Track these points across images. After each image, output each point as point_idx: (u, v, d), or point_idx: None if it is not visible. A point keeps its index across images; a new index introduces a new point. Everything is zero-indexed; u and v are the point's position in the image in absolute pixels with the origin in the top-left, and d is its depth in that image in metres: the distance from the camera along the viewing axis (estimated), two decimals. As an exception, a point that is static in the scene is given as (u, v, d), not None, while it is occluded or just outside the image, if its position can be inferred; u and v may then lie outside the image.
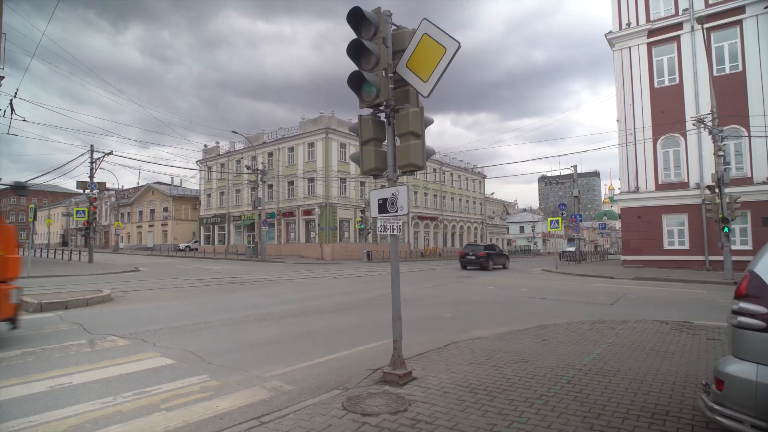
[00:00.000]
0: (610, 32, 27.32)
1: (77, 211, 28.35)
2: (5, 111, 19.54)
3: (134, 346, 6.48)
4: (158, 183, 64.53)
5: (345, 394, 4.26)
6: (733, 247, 19.97)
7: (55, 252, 38.77)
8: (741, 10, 23.08)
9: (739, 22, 23.17)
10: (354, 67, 4.82)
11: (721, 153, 18.02)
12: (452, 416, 3.72)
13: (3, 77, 21.30)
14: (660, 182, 25.73)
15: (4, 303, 6.25)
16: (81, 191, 30.44)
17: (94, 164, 28.34)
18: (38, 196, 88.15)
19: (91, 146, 28.62)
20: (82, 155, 31.73)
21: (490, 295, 13.76)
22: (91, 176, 28.24)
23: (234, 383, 4.86)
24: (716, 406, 2.83)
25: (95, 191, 28.77)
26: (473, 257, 26.63)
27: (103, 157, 28.71)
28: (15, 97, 18.50)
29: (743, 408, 2.68)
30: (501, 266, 28.81)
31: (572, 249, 44.34)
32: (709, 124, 18.71)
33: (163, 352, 6.12)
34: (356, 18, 4.72)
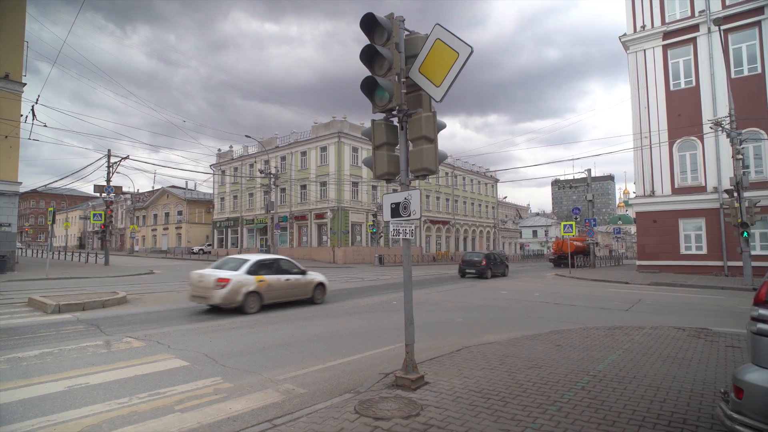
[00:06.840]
0: (625, 35, 27.01)
1: (94, 215, 28.95)
2: (26, 117, 20.05)
3: (149, 348, 6.58)
4: (173, 187, 65.49)
5: (357, 398, 4.26)
6: (753, 252, 19.49)
7: (72, 254, 39.53)
8: (760, 11, 22.63)
9: (758, 23, 22.70)
10: (366, 72, 4.85)
11: (740, 156, 17.66)
12: (465, 421, 3.70)
13: (26, 84, 21.91)
14: (676, 186, 25.27)
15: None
16: (98, 195, 31.02)
17: (111, 168, 28.86)
18: (57, 200, 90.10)
19: (108, 151, 29.14)
20: (99, 159, 32.21)
21: (502, 299, 13.65)
22: (108, 180, 28.74)
23: (247, 385, 4.91)
24: (735, 415, 2.77)
25: (111, 195, 29.30)
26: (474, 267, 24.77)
27: (120, 161, 29.23)
28: (36, 103, 18.99)
29: (763, 417, 2.62)
30: (501, 274, 26.65)
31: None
32: (727, 127, 18.34)
33: (178, 354, 6.20)
34: (369, 24, 4.75)
